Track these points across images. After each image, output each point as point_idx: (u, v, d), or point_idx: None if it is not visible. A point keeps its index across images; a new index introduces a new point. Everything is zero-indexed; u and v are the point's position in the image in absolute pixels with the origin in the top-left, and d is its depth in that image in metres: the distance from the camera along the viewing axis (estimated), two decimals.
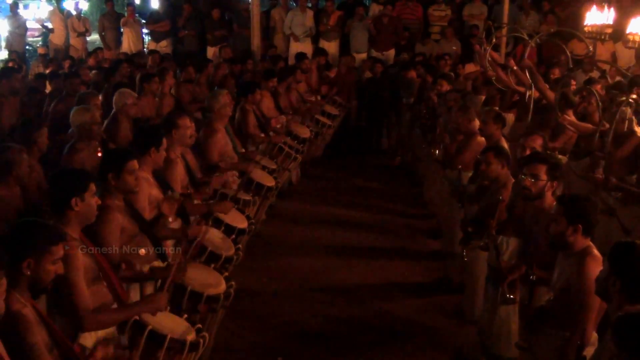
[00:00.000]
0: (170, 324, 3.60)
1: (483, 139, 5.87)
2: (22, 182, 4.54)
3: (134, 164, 4.05)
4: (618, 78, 8.56)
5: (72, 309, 3.25)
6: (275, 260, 6.74)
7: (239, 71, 10.17)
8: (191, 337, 3.55)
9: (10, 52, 12.63)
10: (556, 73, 9.35)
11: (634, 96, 5.59)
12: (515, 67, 7.47)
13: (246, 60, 10.68)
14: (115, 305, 3.55)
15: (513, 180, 4.80)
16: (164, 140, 4.63)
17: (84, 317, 3.25)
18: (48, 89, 8.96)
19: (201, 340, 3.58)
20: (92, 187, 3.50)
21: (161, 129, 4.88)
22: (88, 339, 3.31)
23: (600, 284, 2.93)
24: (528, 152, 4.82)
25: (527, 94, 7.12)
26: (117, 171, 3.96)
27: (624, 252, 2.84)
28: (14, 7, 13.26)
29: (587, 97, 6.60)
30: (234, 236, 5.00)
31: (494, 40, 8.80)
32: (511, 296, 3.97)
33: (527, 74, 7.16)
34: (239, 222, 5.22)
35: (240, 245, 4.92)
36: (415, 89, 9.67)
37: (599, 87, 7.65)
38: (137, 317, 3.46)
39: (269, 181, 6.31)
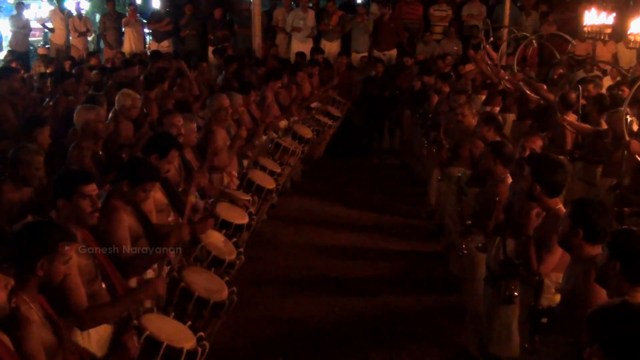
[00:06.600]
0: (172, 330, 3.55)
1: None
2: (31, 184, 4.45)
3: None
4: (619, 79, 8.60)
5: (69, 308, 3.24)
6: (275, 260, 6.75)
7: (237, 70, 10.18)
8: (189, 345, 3.48)
9: (12, 51, 12.63)
10: (557, 73, 9.38)
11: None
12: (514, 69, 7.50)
13: (247, 60, 10.69)
14: None
15: (511, 179, 4.81)
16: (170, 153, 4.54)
17: (81, 315, 3.25)
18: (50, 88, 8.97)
19: (199, 350, 3.50)
20: (81, 190, 3.44)
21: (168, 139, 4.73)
22: (80, 338, 3.30)
23: (599, 270, 2.98)
24: (528, 153, 4.80)
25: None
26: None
27: (623, 236, 2.95)
28: (20, 6, 13.24)
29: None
30: (235, 239, 4.94)
31: (491, 38, 8.84)
32: (508, 293, 3.98)
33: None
34: (240, 218, 5.17)
35: (242, 249, 4.88)
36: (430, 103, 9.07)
37: (591, 86, 7.68)
38: (135, 322, 3.39)
39: (269, 183, 6.26)
